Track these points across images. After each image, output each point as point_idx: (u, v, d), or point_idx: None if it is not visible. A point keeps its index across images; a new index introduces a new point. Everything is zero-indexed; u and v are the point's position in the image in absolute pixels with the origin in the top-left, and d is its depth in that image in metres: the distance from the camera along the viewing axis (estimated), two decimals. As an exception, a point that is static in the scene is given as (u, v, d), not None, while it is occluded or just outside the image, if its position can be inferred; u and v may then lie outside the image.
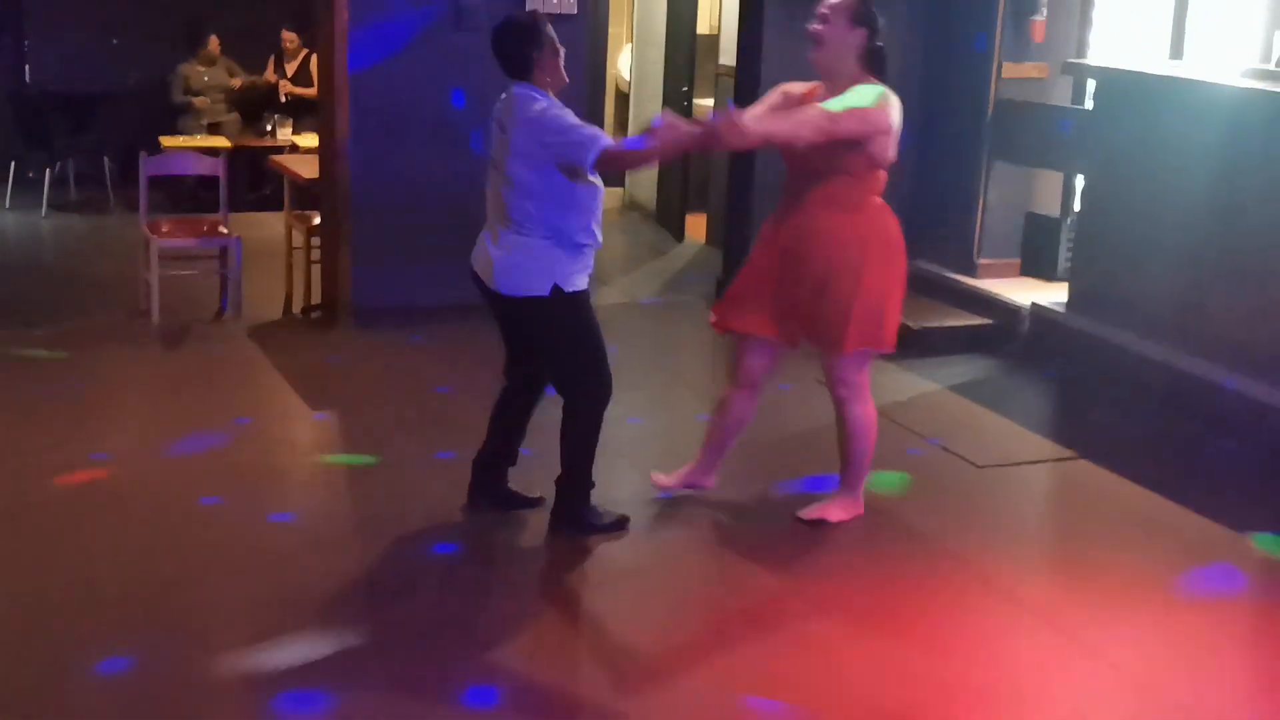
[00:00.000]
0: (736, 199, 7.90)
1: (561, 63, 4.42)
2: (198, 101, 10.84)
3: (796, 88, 4.63)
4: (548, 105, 4.34)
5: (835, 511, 4.77)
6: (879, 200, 4.56)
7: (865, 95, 4.39)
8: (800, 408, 5.89)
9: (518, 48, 4.36)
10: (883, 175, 4.54)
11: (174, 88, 10.88)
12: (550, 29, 4.43)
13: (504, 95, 4.43)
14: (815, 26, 4.49)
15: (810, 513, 4.77)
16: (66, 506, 4.74)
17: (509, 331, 4.62)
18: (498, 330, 4.66)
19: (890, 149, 4.45)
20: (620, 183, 10.85)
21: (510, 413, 4.73)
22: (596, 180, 4.37)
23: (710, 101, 9.62)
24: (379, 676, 3.69)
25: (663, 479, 4.96)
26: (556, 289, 4.36)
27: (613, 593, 4.35)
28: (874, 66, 4.51)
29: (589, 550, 4.53)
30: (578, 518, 4.61)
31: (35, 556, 4.35)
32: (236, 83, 11.07)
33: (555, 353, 4.52)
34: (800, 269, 4.54)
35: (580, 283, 4.44)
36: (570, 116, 4.32)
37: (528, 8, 6.88)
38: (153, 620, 3.96)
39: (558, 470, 4.61)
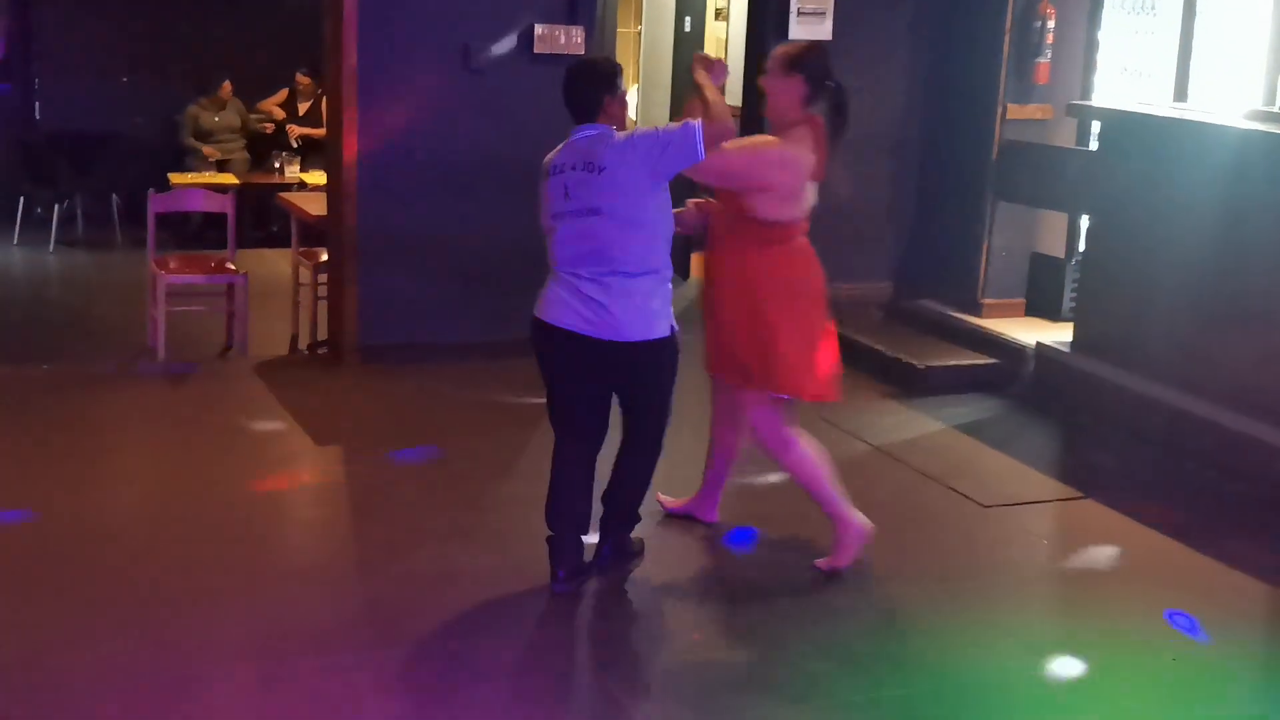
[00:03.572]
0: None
1: (627, 114, 4.39)
2: (206, 150, 10.87)
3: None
4: (629, 131, 4.28)
5: (842, 555, 4.64)
6: (789, 246, 4.47)
7: (758, 139, 4.45)
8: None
9: (591, 90, 4.26)
10: (791, 228, 4.46)
11: (184, 130, 10.94)
12: (622, 79, 4.36)
13: (570, 140, 4.29)
14: (760, 78, 4.51)
15: (823, 563, 4.66)
16: (69, 541, 4.73)
17: (607, 382, 4.40)
18: (568, 390, 4.40)
19: (778, 209, 4.38)
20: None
21: (592, 469, 4.48)
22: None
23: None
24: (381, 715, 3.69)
25: (669, 500, 5.06)
26: (672, 327, 4.39)
27: (621, 626, 4.35)
28: (827, 117, 4.43)
29: (592, 582, 4.52)
30: (626, 547, 4.64)
31: (34, 594, 4.34)
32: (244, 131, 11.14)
33: (658, 391, 4.47)
34: (710, 304, 4.63)
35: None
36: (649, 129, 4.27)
37: (535, 50, 6.92)
38: (152, 656, 3.94)
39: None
